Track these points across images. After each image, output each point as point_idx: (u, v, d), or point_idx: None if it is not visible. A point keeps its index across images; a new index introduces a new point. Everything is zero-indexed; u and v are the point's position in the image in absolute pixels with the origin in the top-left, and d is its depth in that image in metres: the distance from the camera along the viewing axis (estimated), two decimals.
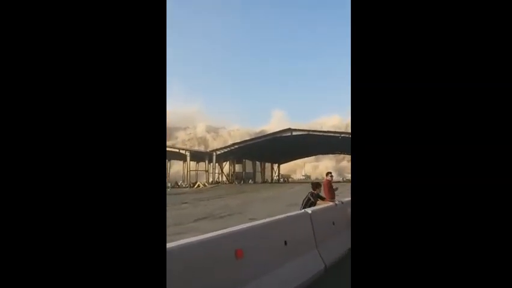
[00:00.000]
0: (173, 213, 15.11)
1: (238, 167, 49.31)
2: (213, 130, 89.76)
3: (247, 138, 50.86)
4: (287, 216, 3.49)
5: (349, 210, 5.21)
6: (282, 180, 56.83)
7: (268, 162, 55.12)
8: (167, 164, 48.17)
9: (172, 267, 1.79)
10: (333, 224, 4.41)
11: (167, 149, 45.42)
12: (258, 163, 52.64)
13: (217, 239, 2.32)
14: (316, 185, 5.73)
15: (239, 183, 43.64)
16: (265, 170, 55.16)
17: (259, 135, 50.50)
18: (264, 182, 50.82)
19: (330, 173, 6.56)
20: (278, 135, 41.53)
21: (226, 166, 47.52)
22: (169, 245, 1.94)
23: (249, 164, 50.73)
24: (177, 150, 45.44)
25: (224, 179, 45.50)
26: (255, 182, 47.72)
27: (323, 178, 6.32)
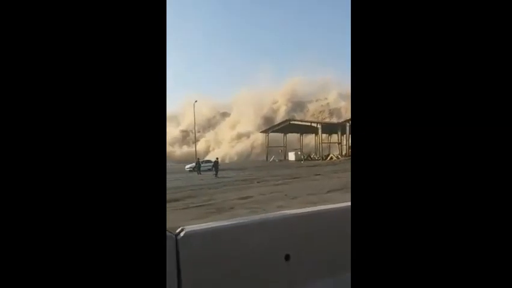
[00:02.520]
0: (306, 184, 15.94)
1: None
2: (347, 98, 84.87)
3: None
4: None
5: None
6: None
7: None
8: (300, 138, 50.12)
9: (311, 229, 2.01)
10: None
11: (299, 122, 47.08)
12: None
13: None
14: None
15: None
16: None
17: None
18: None
19: None
20: None
21: None
22: (296, 210, 2.17)
23: None
24: (308, 124, 46.49)
25: None
26: None
27: None
